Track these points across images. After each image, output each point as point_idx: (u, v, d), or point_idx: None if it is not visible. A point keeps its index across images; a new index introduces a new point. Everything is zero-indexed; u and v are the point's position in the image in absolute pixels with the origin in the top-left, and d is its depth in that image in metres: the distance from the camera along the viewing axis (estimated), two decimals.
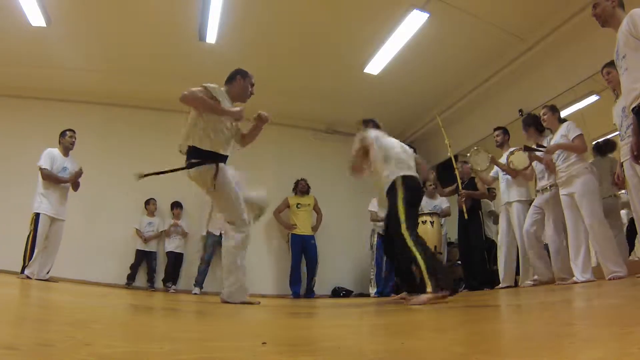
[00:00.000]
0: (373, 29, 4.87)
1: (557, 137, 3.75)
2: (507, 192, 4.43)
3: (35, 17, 4.55)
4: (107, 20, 4.71)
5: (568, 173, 3.61)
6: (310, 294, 5.89)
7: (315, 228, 6.17)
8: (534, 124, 4.24)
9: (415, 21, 4.63)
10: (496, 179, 4.69)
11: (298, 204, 6.17)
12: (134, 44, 5.13)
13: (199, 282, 5.57)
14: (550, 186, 3.99)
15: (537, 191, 4.15)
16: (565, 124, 3.74)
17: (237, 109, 2.80)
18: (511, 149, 4.31)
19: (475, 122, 6.19)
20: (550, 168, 3.85)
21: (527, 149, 4.04)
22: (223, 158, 2.84)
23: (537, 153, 4.04)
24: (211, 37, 4.96)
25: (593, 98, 5.16)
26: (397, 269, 3.37)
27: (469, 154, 4.75)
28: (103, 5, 4.52)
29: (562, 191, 3.68)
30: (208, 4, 4.42)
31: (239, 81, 2.97)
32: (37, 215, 4.22)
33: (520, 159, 4.16)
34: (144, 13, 4.62)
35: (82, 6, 4.52)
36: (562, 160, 3.68)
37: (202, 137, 2.77)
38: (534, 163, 4.12)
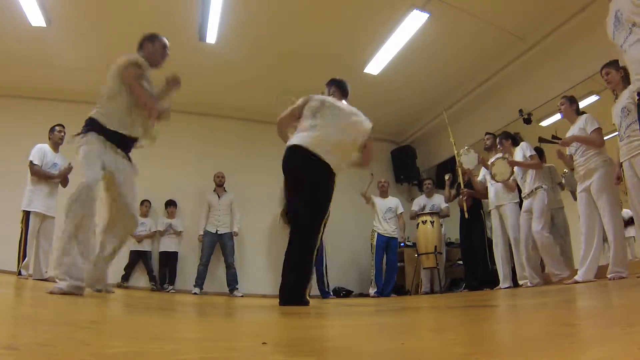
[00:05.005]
0: (373, 29, 4.87)
1: (574, 130, 3.70)
2: (497, 196, 4.49)
3: (35, 17, 4.55)
4: (107, 20, 4.71)
5: (586, 166, 3.56)
6: (325, 294, 5.78)
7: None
8: (511, 138, 4.42)
9: (415, 21, 4.63)
10: (484, 184, 4.76)
11: None
12: (134, 44, 5.11)
13: (199, 283, 5.58)
14: (536, 188, 4.03)
15: (524, 197, 4.18)
16: (583, 117, 3.68)
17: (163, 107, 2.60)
18: (492, 159, 4.38)
19: (475, 122, 6.19)
20: (567, 162, 3.83)
21: (541, 140, 4.04)
22: (126, 140, 2.60)
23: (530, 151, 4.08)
24: (211, 37, 4.96)
25: (593, 98, 5.16)
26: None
27: (460, 151, 4.84)
28: (103, 5, 4.53)
29: (580, 186, 3.62)
30: (208, 4, 4.42)
31: (147, 46, 2.75)
32: (27, 213, 4.21)
33: (502, 170, 4.22)
34: (144, 13, 4.61)
35: (82, 6, 4.53)
36: (580, 154, 3.63)
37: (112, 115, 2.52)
38: (515, 169, 4.20)
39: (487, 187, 4.99)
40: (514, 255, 4.38)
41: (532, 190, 4.06)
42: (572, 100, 3.84)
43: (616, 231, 3.30)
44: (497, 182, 4.33)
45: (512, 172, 4.20)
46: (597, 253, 3.47)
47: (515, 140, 4.46)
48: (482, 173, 4.88)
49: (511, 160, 4.13)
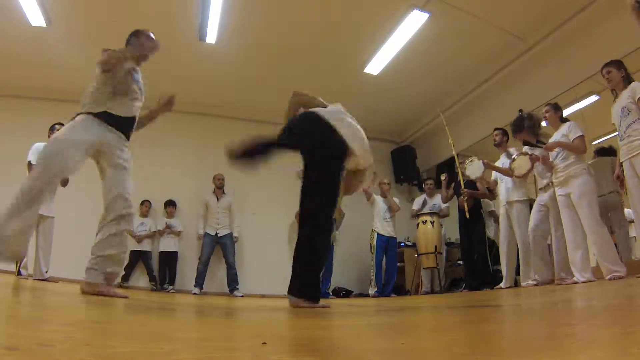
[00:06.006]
0: (373, 29, 4.88)
1: (557, 136, 3.75)
2: (508, 193, 4.44)
3: (35, 17, 4.55)
4: (107, 20, 4.71)
5: (566, 173, 3.61)
6: (325, 295, 5.79)
7: (337, 226, 5.81)
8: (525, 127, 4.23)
9: (415, 21, 4.63)
10: (496, 181, 4.72)
11: None
12: None
13: (199, 283, 5.58)
14: (552, 183, 3.98)
15: (540, 189, 4.14)
16: (567, 124, 3.73)
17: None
18: (513, 156, 4.27)
19: (475, 122, 6.19)
20: (547, 165, 3.84)
21: (525, 143, 4.04)
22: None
23: (535, 150, 4.05)
24: (211, 37, 4.96)
25: (593, 98, 5.16)
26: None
27: (464, 165, 4.81)
28: (103, 5, 4.53)
29: (559, 191, 3.68)
30: (208, 4, 4.43)
31: (133, 42, 2.72)
32: None
33: (521, 164, 4.16)
34: (144, 13, 4.62)
35: (82, 6, 4.53)
36: (560, 160, 3.68)
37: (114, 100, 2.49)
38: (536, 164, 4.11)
39: (488, 187, 4.97)
40: (519, 255, 4.34)
41: (548, 184, 3.99)
42: (557, 108, 3.89)
43: (598, 236, 3.32)
44: (515, 176, 4.21)
45: (532, 167, 4.06)
46: (586, 252, 3.48)
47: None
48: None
49: (534, 157, 3.96)
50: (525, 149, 4.18)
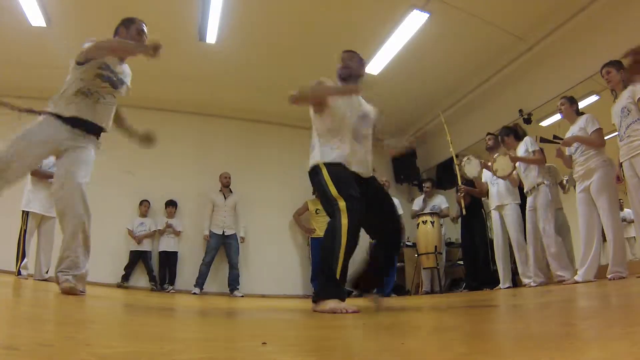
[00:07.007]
0: (373, 29, 4.87)
1: (575, 129, 3.71)
2: (499, 195, 4.49)
3: (35, 17, 4.55)
4: (107, 21, 4.70)
5: (586, 166, 3.57)
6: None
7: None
8: (512, 133, 4.40)
9: (415, 21, 4.63)
10: (486, 184, 4.77)
11: (317, 209, 6.11)
12: None
13: (199, 283, 5.58)
14: (538, 184, 4.02)
15: (526, 192, 4.17)
16: (584, 117, 3.69)
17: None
18: (494, 156, 4.38)
19: (475, 122, 6.19)
20: (566, 162, 3.84)
21: (542, 140, 4.05)
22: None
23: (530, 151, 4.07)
24: (211, 37, 4.96)
25: (593, 98, 5.15)
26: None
27: (462, 164, 4.85)
28: (103, 5, 4.52)
29: (579, 186, 3.64)
30: (208, 4, 4.42)
31: (121, 33, 2.52)
32: (27, 213, 4.22)
33: (503, 164, 4.22)
34: (144, 13, 4.59)
35: (82, 6, 4.52)
36: (579, 154, 3.64)
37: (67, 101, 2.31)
38: (518, 164, 4.18)
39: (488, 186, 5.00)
40: (515, 255, 4.36)
41: (534, 187, 4.05)
42: (572, 101, 3.85)
43: (615, 231, 3.30)
44: (499, 177, 4.32)
45: (514, 168, 4.18)
46: (597, 253, 3.47)
47: (517, 134, 4.41)
48: (484, 175, 4.85)
49: (514, 156, 4.10)
50: (529, 142, 4.20)
